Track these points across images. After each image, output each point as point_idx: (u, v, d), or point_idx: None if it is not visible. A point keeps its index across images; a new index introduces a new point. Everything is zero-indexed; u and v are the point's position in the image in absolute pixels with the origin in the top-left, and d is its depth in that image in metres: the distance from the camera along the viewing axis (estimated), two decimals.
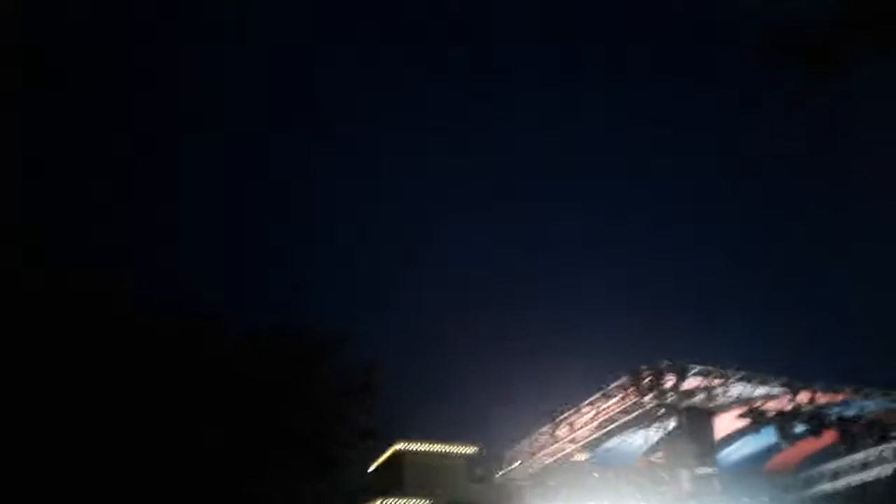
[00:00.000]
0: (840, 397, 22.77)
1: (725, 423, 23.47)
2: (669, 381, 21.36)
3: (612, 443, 25.27)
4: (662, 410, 21.68)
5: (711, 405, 22.41)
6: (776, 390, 22.77)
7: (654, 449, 22.29)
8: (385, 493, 29.67)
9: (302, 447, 12.83)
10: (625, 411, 23.09)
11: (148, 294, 12.26)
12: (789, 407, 22.19)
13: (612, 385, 22.68)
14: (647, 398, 21.77)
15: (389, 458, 31.85)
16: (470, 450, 32.31)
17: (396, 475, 31.33)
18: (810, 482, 26.52)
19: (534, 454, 26.06)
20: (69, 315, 11.30)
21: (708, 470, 21.47)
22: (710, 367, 22.06)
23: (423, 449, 31.84)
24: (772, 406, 22.43)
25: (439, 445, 31.98)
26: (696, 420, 21.65)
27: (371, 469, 31.79)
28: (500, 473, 26.86)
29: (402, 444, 31.37)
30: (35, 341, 10.86)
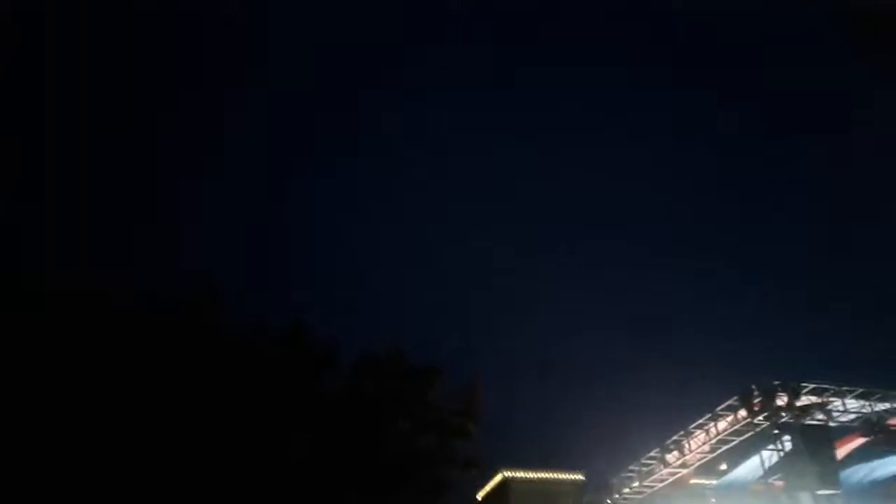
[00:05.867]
0: None
1: (848, 442, 22.42)
2: (781, 399, 20.67)
3: (727, 466, 24.53)
4: (777, 431, 20.93)
5: (830, 423, 21.50)
6: None
7: (772, 471, 21.47)
8: None
9: (425, 467, 13.10)
10: (736, 432, 22.47)
11: (264, 324, 12.98)
12: None
13: (722, 406, 22.14)
14: (759, 418, 21.14)
15: (497, 486, 31.76)
16: (578, 477, 31.82)
17: (504, 503, 31.19)
18: None
19: (643, 480, 25.57)
20: (200, 344, 12.11)
21: (830, 491, 20.51)
22: (825, 385, 21.24)
23: (529, 476, 31.60)
24: None
25: (546, 473, 31.66)
26: (815, 439, 20.73)
27: (479, 496, 31.76)
28: (610, 500, 26.40)
29: (508, 471, 31.24)
30: (171, 364, 11.71)
